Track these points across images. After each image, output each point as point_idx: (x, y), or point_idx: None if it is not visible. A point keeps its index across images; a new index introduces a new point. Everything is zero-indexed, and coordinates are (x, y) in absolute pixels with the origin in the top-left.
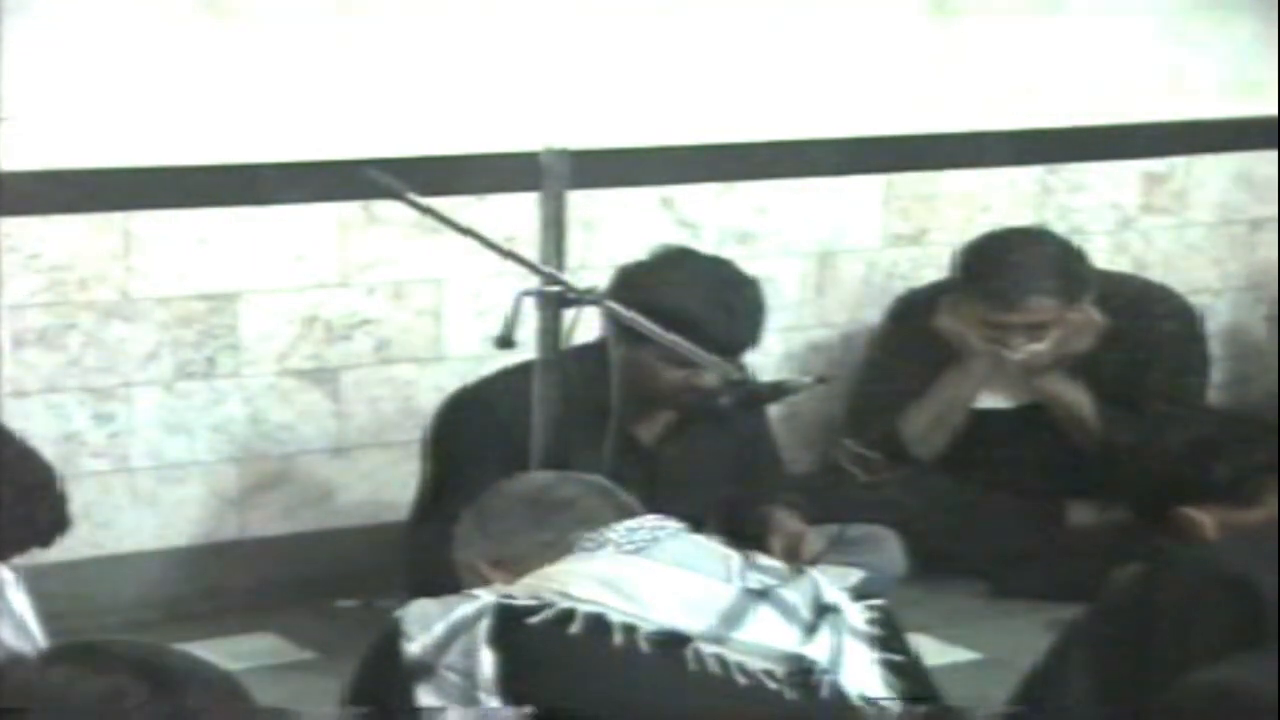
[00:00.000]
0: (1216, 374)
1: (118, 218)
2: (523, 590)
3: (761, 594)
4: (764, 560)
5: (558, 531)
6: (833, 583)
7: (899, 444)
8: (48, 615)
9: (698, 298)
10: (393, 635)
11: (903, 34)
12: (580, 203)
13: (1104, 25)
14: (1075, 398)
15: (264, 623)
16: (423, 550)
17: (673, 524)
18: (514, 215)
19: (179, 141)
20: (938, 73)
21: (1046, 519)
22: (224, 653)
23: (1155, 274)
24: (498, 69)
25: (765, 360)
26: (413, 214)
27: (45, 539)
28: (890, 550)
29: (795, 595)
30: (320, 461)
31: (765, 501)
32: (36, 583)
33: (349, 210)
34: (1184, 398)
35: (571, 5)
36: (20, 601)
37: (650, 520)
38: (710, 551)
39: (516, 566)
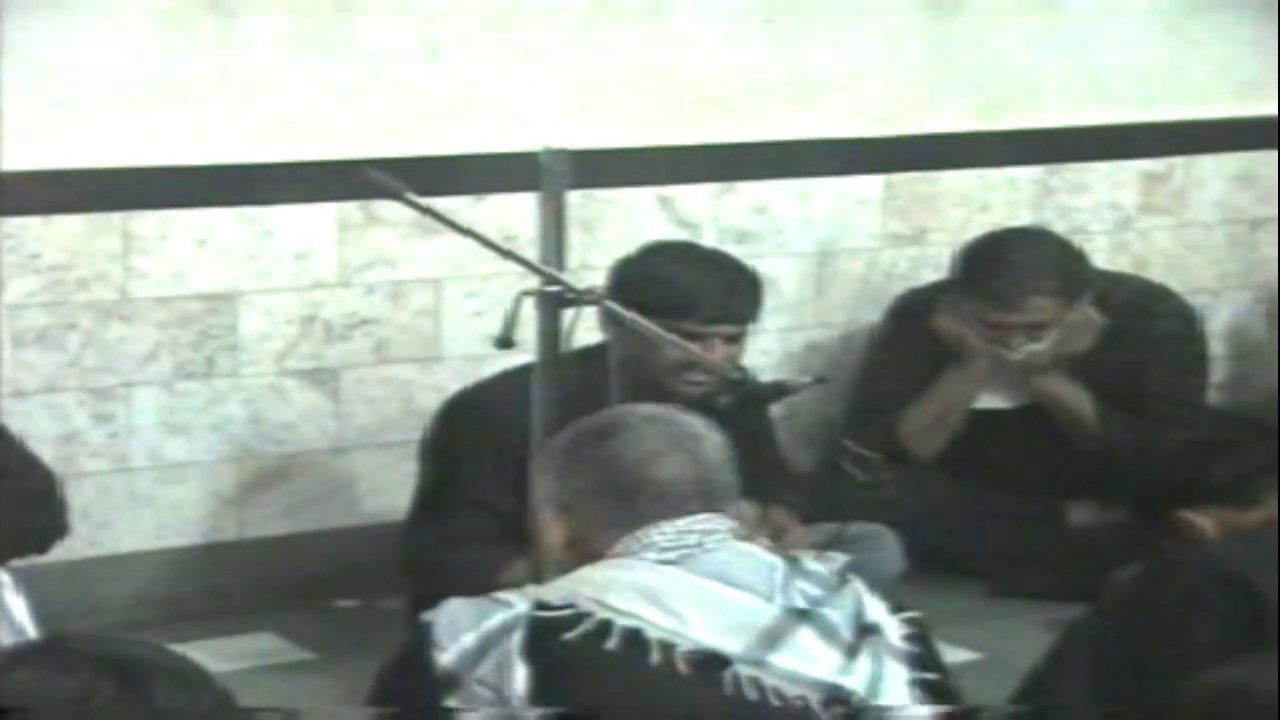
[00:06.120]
0: (1216, 374)
1: (117, 218)
2: (557, 594)
3: (803, 614)
4: (811, 565)
5: (636, 515)
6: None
7: (899, 444)
8: (47, 615)
9: (692, 275)
10: (423, 643)
11: (902, 33)
12: (580, 203)
13: (1104, 25)
14: (1075, 398)
15: (264, 623)
16: (420, 553)
17: (722, 526)
18: (514, 215)
19: (179, 141)
20: (937, 72)
21: (1046, 519)
22: (224, 653)
23: (1155, 274)
24: (498, 69)
25: (765, 360)
26: (413, 214)
27: (43, 545)
28: (889, 550)
29: (837, 614)
30: (320, 461)
31: (767, 499)
32: (36, 583)
33: (349, 210)
34: (1184, 398)
35: (571, 5)
36: (17, 604)
37: (700, 522)
38: (755, 562)
39: (578, 527)
